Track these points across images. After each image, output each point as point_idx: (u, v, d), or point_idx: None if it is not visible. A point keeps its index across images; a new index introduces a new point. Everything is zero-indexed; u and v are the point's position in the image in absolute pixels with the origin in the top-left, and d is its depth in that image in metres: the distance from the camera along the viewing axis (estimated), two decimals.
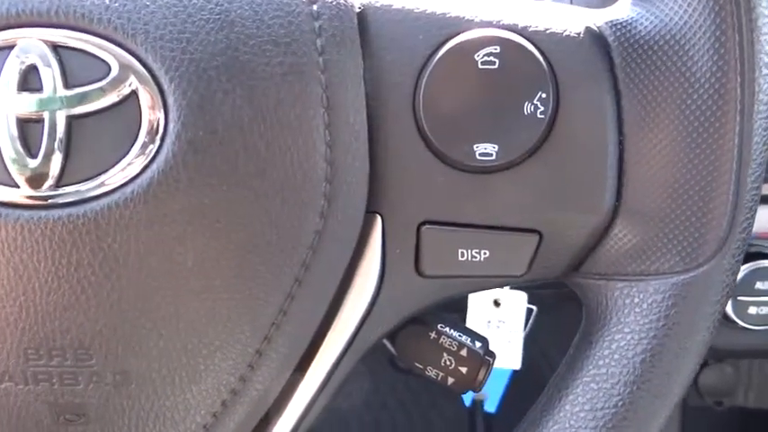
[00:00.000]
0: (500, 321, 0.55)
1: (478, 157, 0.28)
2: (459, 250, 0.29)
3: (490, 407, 0.63)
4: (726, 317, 0.49)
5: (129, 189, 0.26)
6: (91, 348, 0.27)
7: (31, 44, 0.26)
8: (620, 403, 0.29)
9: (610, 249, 0.29)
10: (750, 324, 0.50)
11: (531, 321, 0.57)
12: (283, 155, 0.27)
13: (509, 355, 0.55)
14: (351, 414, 0.78)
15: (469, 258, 0.29)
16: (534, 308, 0.57)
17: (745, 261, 0.49)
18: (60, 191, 0.26)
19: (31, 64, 0.26)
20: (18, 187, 0.26)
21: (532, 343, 0.58)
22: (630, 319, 0.29)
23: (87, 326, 0.27)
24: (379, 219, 0.29)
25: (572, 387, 0.30)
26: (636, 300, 0.29)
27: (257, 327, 0.28)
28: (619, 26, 0.28)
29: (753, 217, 0.29)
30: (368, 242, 0.29)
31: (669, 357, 0.29)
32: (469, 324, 0.55)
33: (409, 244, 0.29)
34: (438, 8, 0.29)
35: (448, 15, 0.28)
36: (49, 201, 0.26)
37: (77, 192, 0.26)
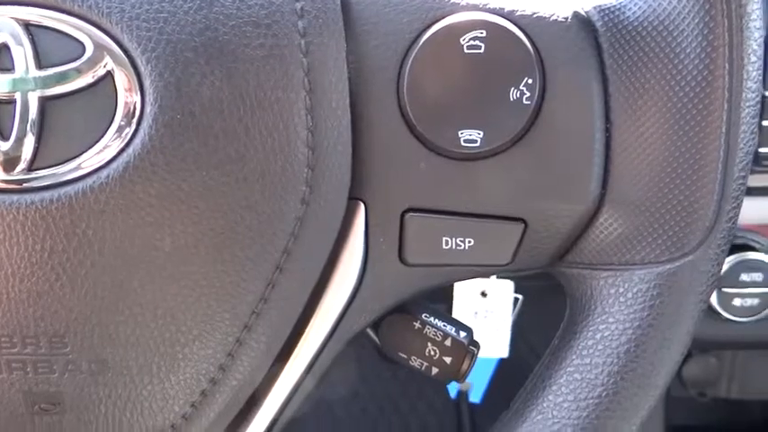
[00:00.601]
0: (487, 311, 0.55)
1: (463, 144, 0.28)
2: (444, 238, 0.29)
3: (475, 397, 0.63)
4: (710, 308, 0.50)
5: (104, 173, 0.25)
6: (66, 336, 0.27)
7: (2, 22, 0.25)
8: (603, 393, 0.29)
9: (595, 238, 0.29)
10: (735, 316, 0.50)
11: (516, 310, 0.57)
12: (263, 139, 0.26)
13: (497, 344, 0.54)
14: (337, 404, 0.77)
15: (454, 247, 0.29)
16: (520, 296, 0.57)
17: (731, 253, 0.49)
18: (33, 174, 0.25)
19: (2, 43, 0.25)
20: None
21: (517, 332, 0.58)
22: (615, 308, 0.29)
23: (62, 313, 0.26)
24: (362, 206, 0.29)
25: (555, 377, 0.30)
26: (621, 289, 0.29)
27: (237, 315, 0.27)
28: (607, 11, 0.28)
29: (739, 207, 0.29)
30: (351, 229, 0.29)
31: (653, 347, 0.29)
32: (456, 315, 0.55)
33: (393, 231, 0.29)
34: None
35: None
36: (22, 185, 0.25)
37: (51, 175, 0.25)
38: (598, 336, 0.29)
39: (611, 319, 0.29)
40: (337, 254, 0.29)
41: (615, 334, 0.29)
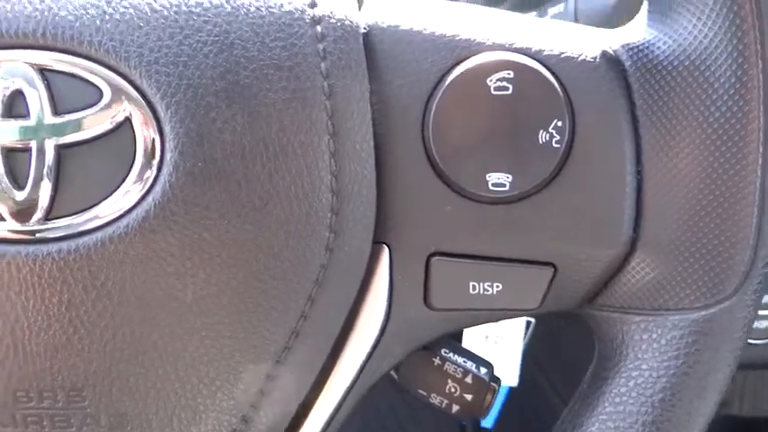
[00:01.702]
0: (498, 336, 0.54)
1: (491, 188, 0.27)
2: (471, 283, 0.28)
3: (487, 422, 0.62)
4: None
5: (123, 222, 0.24)
6: (84, 389, 0.26)
7: (17, 67, 0.24)
8: None
9: (627, 282, 0.28)
10: (751, 338, 0.49)
11: (528, 334, 0.56)
12: (287, 186, 0.25)
13: (506, 372, 0.54)
14: (346, 428, 0.76)
15: (481, 292, 0.28)
16: (533, 320, 0.56)
17: None
18: (50, 224, 0.24)
19: (17, 89, 0.24)
20: (4, 220, 0.24)
21: (530, 355, 0.58)
22: (648, 355, 0.28)
23: (80, 366, 0.25)
24: (386, 249, 0.28)
25: (587, 425, 0.29)
26: (654, 335, 0.28)
27: (260, 365, 0.27)
28: (635, 49, 0.27)
29: None
30: (375, 273, 0.28)
31: (689, 396, 0.28)
32: (466, 339, 0.54)
33: (418, 276, 0.28)
34: (447, 30, 0.27)
35: (458, 37, 0.27)
36: (38, 235, 0.24)
37: (68, 225, 0.24)
38: (631, 383, 0.28)
39: (644, 366, 0.28)
40: (361, 298, 0.28)
41: (649, 382, 0.28)
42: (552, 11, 0.42)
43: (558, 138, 0.27)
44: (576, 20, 0.42)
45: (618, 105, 0.27)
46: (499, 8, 0.53)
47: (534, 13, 0.43)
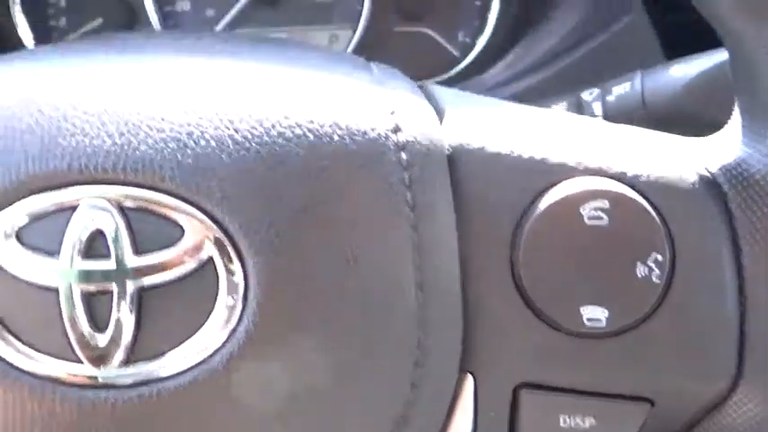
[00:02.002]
0: None
1: (586, 323, 0.26)
2: (561, 416, 0.27)
3: None
4: None
5: (206, 366, 0.24)
6: None
7: (96, 204, 0.23)
8: None
9: (727, 416, 0.27)
10: None
11: None
12: (372, 322, 0.24)
13: None
14: None
15: (572, 425, 0.27)
16: None
17: None
18: (129, 370, 0.24)
19: (97, 228, 0.23)
20: (82, 364, 0.24)
21: None
22: None
23: None
24: (471, 378, 0.27)
25: None
26: None
27: None
28: (734, 171, 0.26)
29: None
30: (458, 403, 0.27)
31: None
32: None
33: (504, 407, 0.27)
34: (536, 151, 0.26)
35: (548, 161, 0.26)
36: (117, 380, 0.24)
37: (148, 371, 0.24)
38: None
39: None
40: (445, 430, 0.27)
41: None
42: (617, 90, 0.41)
43: (657, 273, 0.25)
44: (644, 99, 0.40)
45: (719, 234, 0.26)
46: (555, 71, 0.51)
47: (597, 90, 0.42)
